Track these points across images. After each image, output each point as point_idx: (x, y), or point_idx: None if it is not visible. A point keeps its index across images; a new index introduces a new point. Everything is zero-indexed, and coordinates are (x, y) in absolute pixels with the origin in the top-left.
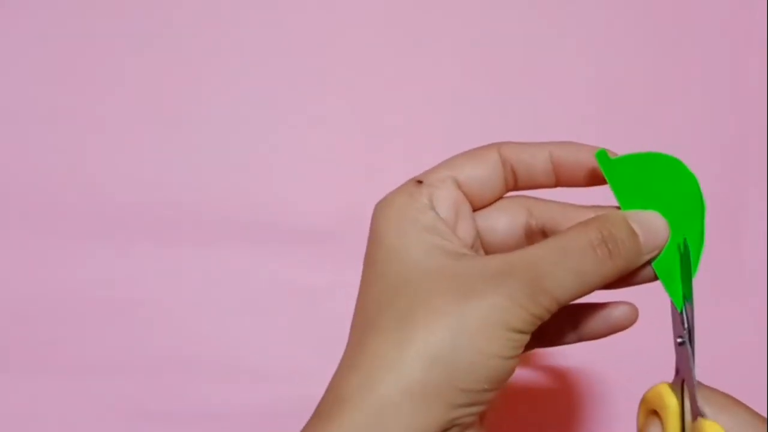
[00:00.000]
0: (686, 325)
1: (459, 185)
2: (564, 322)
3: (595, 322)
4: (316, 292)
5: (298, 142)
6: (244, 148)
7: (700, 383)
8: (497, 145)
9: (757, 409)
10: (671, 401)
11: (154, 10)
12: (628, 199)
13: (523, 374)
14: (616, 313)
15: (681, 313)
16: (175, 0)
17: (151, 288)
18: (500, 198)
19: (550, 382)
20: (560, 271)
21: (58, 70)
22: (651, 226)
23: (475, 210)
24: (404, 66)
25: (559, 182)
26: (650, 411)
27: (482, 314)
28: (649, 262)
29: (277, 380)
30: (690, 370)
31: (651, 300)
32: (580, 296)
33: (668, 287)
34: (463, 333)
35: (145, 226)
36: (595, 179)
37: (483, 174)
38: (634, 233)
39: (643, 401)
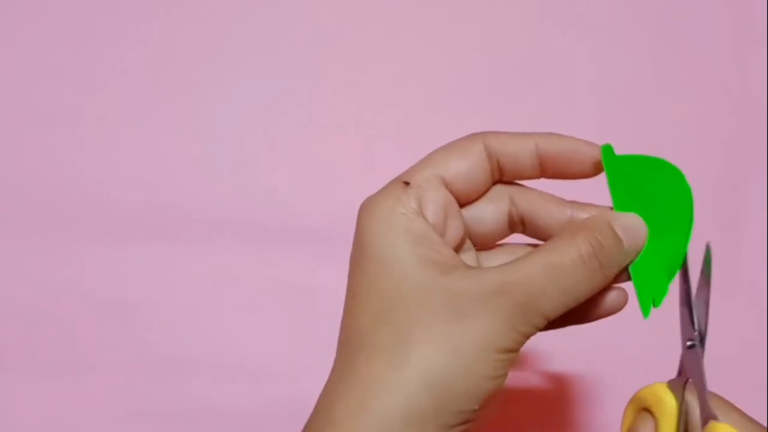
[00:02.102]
0: (697, 327)
1: (446, 183)
2: None
3: (587, 307)
4: (316, 292)
5: (298, 142)
6: (244, 148)
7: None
8: (482, 136)
9: (757, 409)
10: (669, 400)
11: (153, 10)
12: (621, 197)
13: (518, 377)
14: (608, 298)
15: (691, 317)
16: (174, 0)
17: (151, 288)
18: (486, 191)
19: (544, 384)
20: (553, 291)
21: (58, 70)
22: (633, 230)
23: (462, 206)
24: (405, 65)
25: (544, 174)
26: (642, 409)
27: (477, 338)
28: (626, 266)
29: (277, 380)
30: (701, 372)
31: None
32: (568, 309)
33: (639, 291)
34: (458, 356)
35: (144, 226)
36: (581, 173)
37: (469, 169)
38: (619, 240)
39: (635, 399)
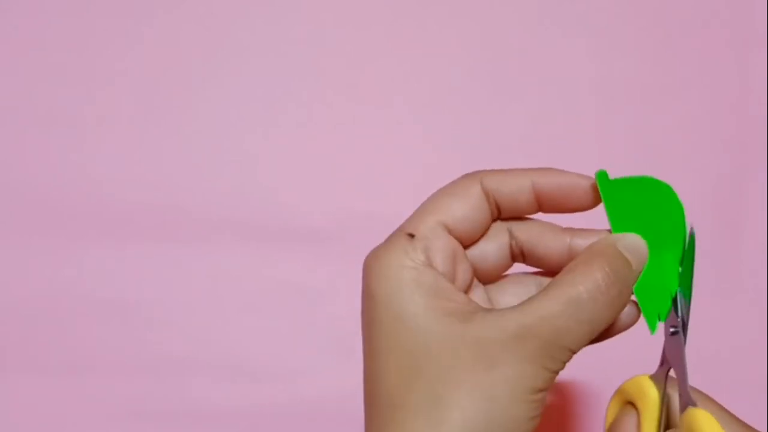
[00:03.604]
0: (680, 315)
1: (449, 230)
2: None
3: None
4: (316, 292)
5: (298, 142)
6: (244, 148)
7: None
8: (478, 176)
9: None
10: (652, 392)
11: (153, 10)
12: (618, 219)
13: None
14: (622, 315)
15: (674, 306)
16: (174, 0)
17: (151, 288)
18: (487, 230)
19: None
20: (576, 326)
21: (58, 70)
22: (637, 249)
23: (465, 248)
24: (405, 65)
25: (542, 209)
26: (625, 401)
27: (509, 383)
28: None
29: (277, 380)
30: (682, 359)
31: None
32: (592, 338)
33: (644, 308)
34: (494, 406)
35: (144, 226)
36: (578, 207)
37: (469, 213)
38: (628, 262)
39: (619, 391)
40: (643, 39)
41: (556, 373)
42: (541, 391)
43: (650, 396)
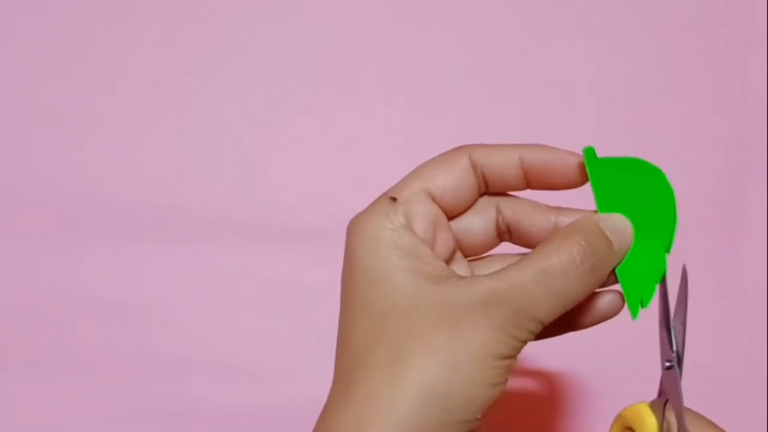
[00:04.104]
0: (675, 348)
1: (433, 197)
2: None
3: (583, 312)
4: (316, 292)
5: (298, 142)
6: (244, 148)
7: (686, 408)
8: (467, 150)
9: (757, 408)
10: (650, 421)
11: (153, 10)
12: (604, 199)
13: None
14: (603, 303)
15: (669, 338)
16: (174, 0)
17: (151, 288)
18: (474, 203)
19: (531, 386)
20: (545, 296)
21: (58, 70)
22: (620, 230)
23: (449, 219)
24: (405, 65)
25: (530, 185)
26: (625, 428)
27: (473, 347)
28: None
29: (277, 380)
30: (678, 393)
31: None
32: (562, 313)
33: (627, 293)
34: (456, 368)
35: (144, 226)
36: (566, 183)
37: (455, 183)
38: (609, 240)
39: (619, 418)
40: (643, 39)
41: (524, 342)
42: (505, 358)
43: (649, 424)
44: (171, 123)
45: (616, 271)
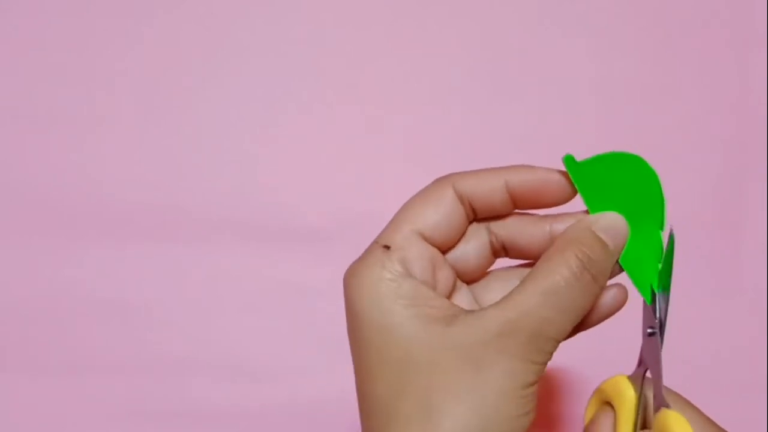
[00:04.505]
0: (658, 316)
1: (425, 237)
2: None
3: (590, 312)
4: (316, 292)
5: (298, 142)
6: (244, 148)
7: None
8: (449, 180)
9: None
10: (629, 392)
11: (153, 10)
12: (593, 199)
13: None
14: (608, 299)
15: (653, 305)
16: (174, 0)
17: (151, 288)
18: (465, 233)
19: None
20: (556, 315)
21: (58, 70)
22: (614, 228)
23: (443, 253)
24: (405, 65)
25: (517, 207)
26: (603, 401)
27: (498, 383)
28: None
29: (276, 380)
30: (658, 361)
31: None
32: (575, 325)
33: (635, 279)
34: (486, 407)
35: (144, 226)
36: (552, 202)
37: (444, 219)
38: (604, 244)
39: (598, 391)
40: (643, 39)
41: (544, 365)
42: (531, 385)
43: (627, 396)
44: (171, 123)
45: (620, 261)
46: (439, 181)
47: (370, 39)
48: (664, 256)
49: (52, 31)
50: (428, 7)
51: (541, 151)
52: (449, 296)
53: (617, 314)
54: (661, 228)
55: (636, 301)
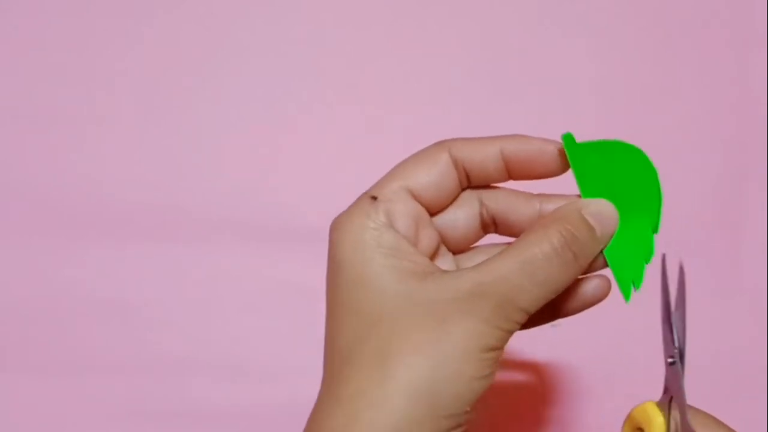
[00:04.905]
0: (677, 344)
1: (414, 195)
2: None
3: (569, 299)
4: (316, 292)
5: (298, 142)
6: (244, 148)
7: (690, 405)
8: (446, 145)
9: (757, 408)
10: (657, 419)
11: (153, 10)
12: (587, 183)
13: (504, 378)
14: (589, 288)
15: (672, 334)
16: (174, 0)
17: (151, 288)
18: (456, 198)
19: (521, 377)
20: (530, 286)
21: (58, 70)
22: (604, 215)
23: (432, 215)
24: (405, 65)
25: (512, 177)
26: (635, 428)
27: (459, 341)
28: (600, 251)
29: (276, 380)
30: (680, 389)
31: (638, 312)
32: (547, 301)
33: (617, 275)
34: (443, 362)
35: (144, 226)
36: (547, 172)
37: (436, 179)
38: (591, 228)
39: (629, 418)
40: (643, 39)
41: (509, 333)
42: (492, 350)
43: (656, 422)
44: (171, 123)
45: (605, 253)
46: (436, 144)
47: (370, 39)
48: (678, 286)
49: (52, 31)
50: (428, 7)
51: None
52: (432, 258)
53: (628, 334)
54: (655, 230)
55: (646, 323)
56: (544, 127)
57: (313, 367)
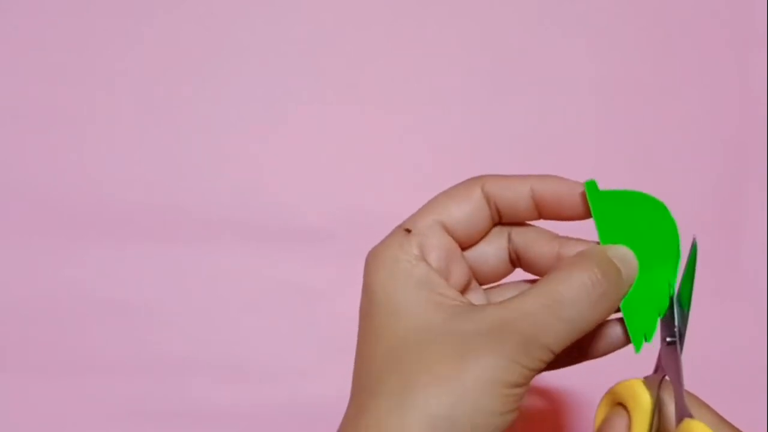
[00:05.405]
0: (677, 325)
1: (447, 229)
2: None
3: (596, 341)
4: (316, 292)
5: (298, 142)
6: (244, 148)
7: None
8: (479, 181)
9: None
10: (644, 396)
11: (153, 10)
12: (607, 230)
13: None
14: (616, 331)
15: (671, 312)
16: (174, 0)
17: (151, 288)
18: (487, 233)
19: (536, 401)
20: (556, 323)
21: (58, 70)
22: (627, 261)
23: (464, 249)
24: (405, 65)
25: (541, 216)
26: (616, 403)
27: (481, 374)
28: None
29: (276, 380)
30: (678, 369)
31: None
32: (573, 341)
33: (630, 326)
34: (462, 396)
35: (144, 226)
36: (574, 215)
37: (469, 215)
38: (618, 270)
39: (610, 393)
40: (643, 39)
41: (533, 371)
42: (515, 386)
43: (643, 400)
44: (171, 123)
45: (620, 304)
46: (469, 180)
47: (370, 39)
48: (687, 263)
49: (52, 31)
50: (428, 7)
51: (541, 151)
52: (462, 292)
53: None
54: (671, 285)
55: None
56: (544, 127)
57: (313, 367)
